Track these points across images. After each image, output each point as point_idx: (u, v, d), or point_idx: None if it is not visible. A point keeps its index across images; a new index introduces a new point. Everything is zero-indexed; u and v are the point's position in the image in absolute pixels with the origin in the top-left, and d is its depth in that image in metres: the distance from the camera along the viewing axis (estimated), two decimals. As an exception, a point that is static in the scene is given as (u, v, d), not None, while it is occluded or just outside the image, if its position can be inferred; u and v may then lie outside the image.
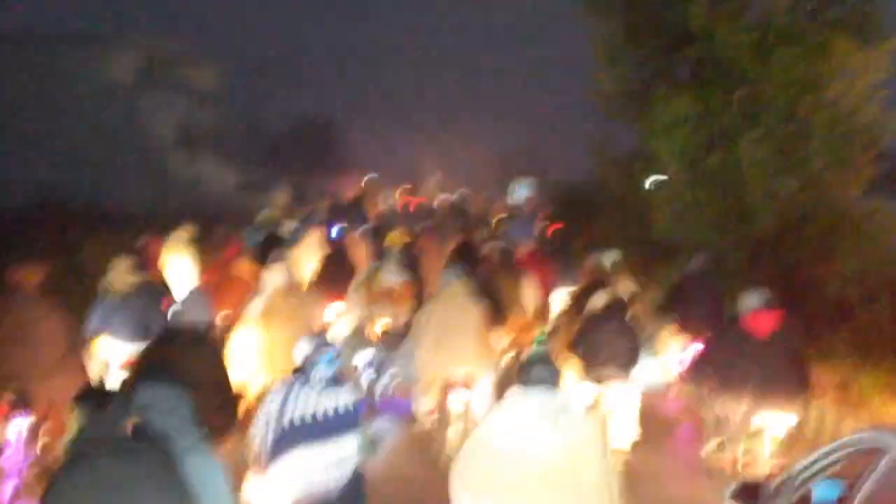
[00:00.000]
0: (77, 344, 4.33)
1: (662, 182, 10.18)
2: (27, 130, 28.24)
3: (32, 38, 30.99)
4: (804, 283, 7.45)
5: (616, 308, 4.95)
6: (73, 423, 2.07)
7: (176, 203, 21.42)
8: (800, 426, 4.54)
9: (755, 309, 4.48)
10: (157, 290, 5.11)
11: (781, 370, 4.32)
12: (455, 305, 4.23)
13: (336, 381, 2.89)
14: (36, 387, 3.41)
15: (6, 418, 3.46)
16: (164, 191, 26.16)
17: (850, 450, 2.54)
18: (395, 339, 5.36)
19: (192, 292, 4.96)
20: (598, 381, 4.59)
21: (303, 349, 2.98)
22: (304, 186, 26.55)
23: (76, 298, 5.15)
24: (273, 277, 4.88)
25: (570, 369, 4.67)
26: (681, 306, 5.62)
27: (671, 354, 5.42)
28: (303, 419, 2.72)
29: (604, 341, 4.52)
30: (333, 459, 2.75)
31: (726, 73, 9.09)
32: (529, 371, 2.67)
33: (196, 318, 4.02)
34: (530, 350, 4.46)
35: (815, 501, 2.47)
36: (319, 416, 2.77)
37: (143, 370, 3.06)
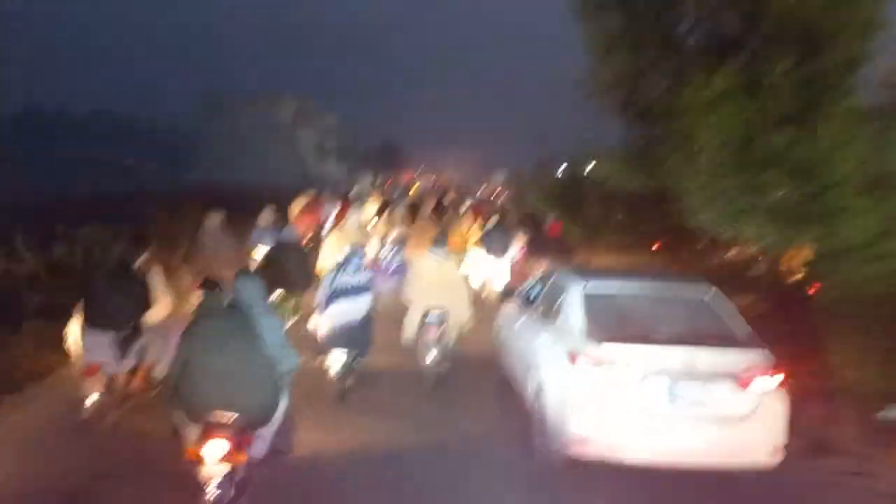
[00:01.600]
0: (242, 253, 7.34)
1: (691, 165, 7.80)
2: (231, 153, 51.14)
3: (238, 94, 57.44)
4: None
5: (499, 226, 10.32)
6: (196, 298, 4.00)
7: (309, 184, 42.51)
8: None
9: (550, 223, 10.12)
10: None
11: (559, 250, 8.51)
12: (442, 269, 6.14)
13: (361, 268, 5.66)
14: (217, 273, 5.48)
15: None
16: (307, 179, 47.97)
17: (551, 278, 5.30)
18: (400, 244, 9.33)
19: (290, 225, 7.57)
20: (493, 255, 9.66)
21: (346, 252, 5.82)
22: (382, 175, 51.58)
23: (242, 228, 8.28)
24: (352, 217, 8.75)
25: (479, 251, 9.98)
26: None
27: (519, 246, 10.04)
28: (342, 287, 5.49)
29: (494, 239, 9.86)
30: (356, 307, 5.49)
31: (782, 36, 7.28)
32: (435, 243, 6.22)
33: (290, 237, 6.88)
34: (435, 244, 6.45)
35: (522, 296, 5.74)
36: (350, 286, 5.52)
37: (247, 269, 4.78)
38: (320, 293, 5.62)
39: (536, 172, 23.47)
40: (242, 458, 3.37)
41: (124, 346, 4.78)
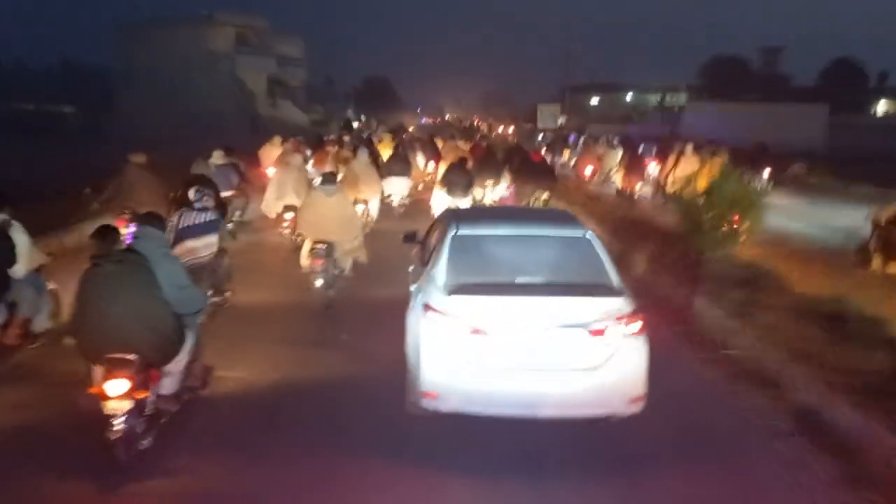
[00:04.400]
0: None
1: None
2: (152, 91, 50.15)
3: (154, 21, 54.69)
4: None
5: (460, 165, 13.45)
6: (92, 246, 4.75)
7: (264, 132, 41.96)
8: (550, 196, 13.83)
9: (534, 150, 19.05)
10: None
11: (542, 172, 14.25)
12: (328, 204, 8.33)
13: (206, 209, 7.21)
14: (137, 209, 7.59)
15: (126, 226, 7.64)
16: (255, 126, 46.88)
17: (439, 222, 6.47)
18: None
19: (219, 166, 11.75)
20: (454, 196, 12.58)
21: (191, 195, 7.22)
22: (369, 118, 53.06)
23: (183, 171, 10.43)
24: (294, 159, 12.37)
25: (441, 191, 13.07)
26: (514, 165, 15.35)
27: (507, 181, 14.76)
28: (189, 225, 7.01)
29: (454, 181, 12.76)
30: (204, 244, 7.09)
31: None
32: (324, 180, 8.63)
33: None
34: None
35: (419, 239, 7.09)
36: (196, 223, 7.08)
37: (148, 215, 5.37)
38: (169, 231, 6.83)
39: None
40: (144, 394, 4.52)
41: None
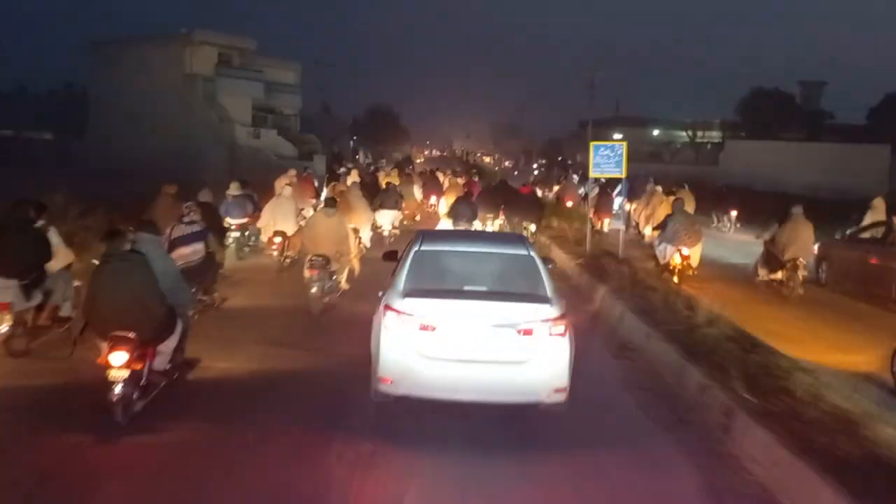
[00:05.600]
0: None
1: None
2: (127, 116, 53.54)
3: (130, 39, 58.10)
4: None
5: (465, 199, 18.55)
6: (105, 246, 7.33)
7: (246, 163, 44.18)
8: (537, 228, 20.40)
9: (522, 185, 26.22)
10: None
11: (530, 205, 20.54)
12: (326, 224, 12.03)
13: (194, 222, 10.97)
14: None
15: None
16: (234, 157, 49.05)
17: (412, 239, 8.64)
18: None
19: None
20: (456, 226, 16.91)
21: (183, 211, 11.28)
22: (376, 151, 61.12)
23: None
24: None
25: (447, 221, 18.21)
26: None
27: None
28: (180, 235, 10.69)
29: (460, 212, 17.13)
30: (192, 250, 10.73)
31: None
32: (326, 204, 12.97)
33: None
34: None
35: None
36: (185, 234, 10.75)
37: (145, 224, 8.23)
38: (164, 239, 9.79)
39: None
40: (141, 365, 6.97)
41: (29, 289, 8.80)
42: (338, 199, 16.67)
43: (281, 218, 15.40)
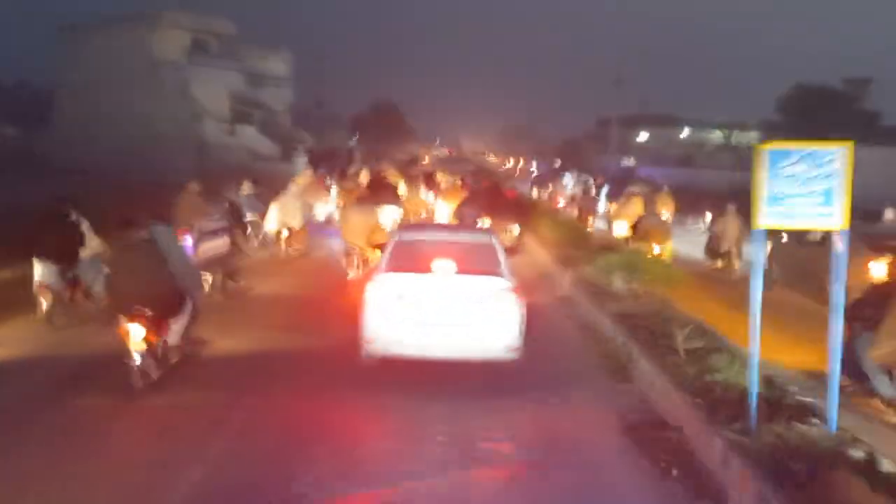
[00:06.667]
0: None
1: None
2: (93, 107, 55.17)
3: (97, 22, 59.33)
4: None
5: (471, 200, 24.21)
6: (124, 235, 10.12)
7: (218, 162, 45.43)
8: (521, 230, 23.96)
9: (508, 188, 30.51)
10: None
11: (514, 208, 24.55)
12: (361, 218, 16.53)
13: (220, 219, 15.69)
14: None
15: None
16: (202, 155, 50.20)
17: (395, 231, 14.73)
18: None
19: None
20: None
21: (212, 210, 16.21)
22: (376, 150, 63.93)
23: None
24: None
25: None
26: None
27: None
28: (205, 231, 14.67)
29: (465, 213, 22.44)
30: (215, 245, 14.70)
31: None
32: (358, 201, 18.50)
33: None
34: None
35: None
36: (209, 230, 14.80)
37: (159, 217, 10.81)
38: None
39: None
40: (156, 338, 9.05)
41: (65, 272, 12.03)
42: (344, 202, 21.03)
43: (287, 213, 19.59)
